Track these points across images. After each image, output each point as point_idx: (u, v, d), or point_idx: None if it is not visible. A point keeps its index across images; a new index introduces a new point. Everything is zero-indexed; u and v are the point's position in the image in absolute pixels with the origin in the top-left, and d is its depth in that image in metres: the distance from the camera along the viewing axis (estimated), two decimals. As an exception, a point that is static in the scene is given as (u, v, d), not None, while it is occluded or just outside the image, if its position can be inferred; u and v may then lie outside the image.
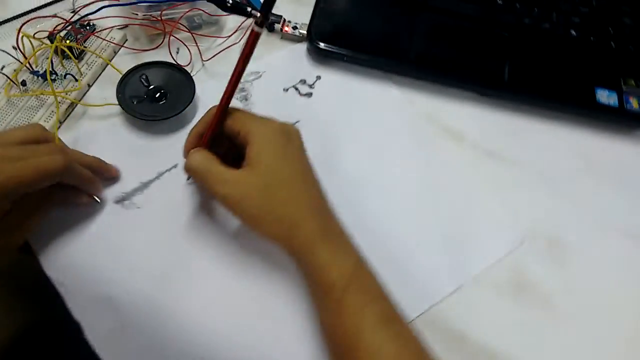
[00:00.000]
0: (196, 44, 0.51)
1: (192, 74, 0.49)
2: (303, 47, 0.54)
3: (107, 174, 0.42)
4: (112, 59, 0.50)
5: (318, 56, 0.53)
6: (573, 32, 0.55)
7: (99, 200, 0.42)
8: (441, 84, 0.52)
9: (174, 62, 0.49)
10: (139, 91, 0.46)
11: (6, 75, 0.45)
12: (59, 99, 0.45)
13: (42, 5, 0.52)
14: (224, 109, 0.38)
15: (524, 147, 0.51)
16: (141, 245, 0.41)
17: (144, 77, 0.47)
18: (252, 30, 0.35)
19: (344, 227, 0.37)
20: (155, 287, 0.39)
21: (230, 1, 0.43)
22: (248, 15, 0.42)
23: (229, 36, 0.53)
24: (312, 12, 0.53)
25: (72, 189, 0.39)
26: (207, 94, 0.49)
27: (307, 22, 0.53)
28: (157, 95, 0.47)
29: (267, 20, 0.35)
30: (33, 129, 0.38)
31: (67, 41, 0.47)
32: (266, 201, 0.35)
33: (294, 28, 0.54)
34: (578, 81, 0.52)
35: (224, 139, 0.39)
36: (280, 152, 0.36)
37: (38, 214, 0.39)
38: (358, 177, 0.46)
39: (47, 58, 0.46)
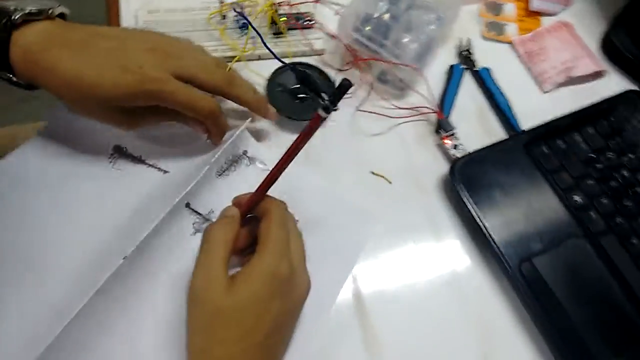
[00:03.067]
0: (368, 93, 0.52)
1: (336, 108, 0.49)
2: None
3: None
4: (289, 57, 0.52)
5: (450, 188, 0.48)
6: None
7: (208, 142, 0.43)
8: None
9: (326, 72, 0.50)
10: (287, 85, 0.49)
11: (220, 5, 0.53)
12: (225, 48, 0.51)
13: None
14: (270, 182, 0.36)
15: None
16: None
17: (296, 74, 0.49)
18: (317, 113, 0.31)
19: None
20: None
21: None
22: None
23: (398, 108, 0.51)
24: (474, 151, 0.48)
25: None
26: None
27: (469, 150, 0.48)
28: (299, 95, 0.49)
29: (334, 108, 0.31)
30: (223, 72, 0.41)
31: (281, 19, 0.52)
32: (209, 328, 0.32)
33: (455, 147, 0.49)
34: None
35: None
36: (267, 301, 0.33)
37: (157, 118, 0.42)
38: None
39: (253, 15, 0.51)
